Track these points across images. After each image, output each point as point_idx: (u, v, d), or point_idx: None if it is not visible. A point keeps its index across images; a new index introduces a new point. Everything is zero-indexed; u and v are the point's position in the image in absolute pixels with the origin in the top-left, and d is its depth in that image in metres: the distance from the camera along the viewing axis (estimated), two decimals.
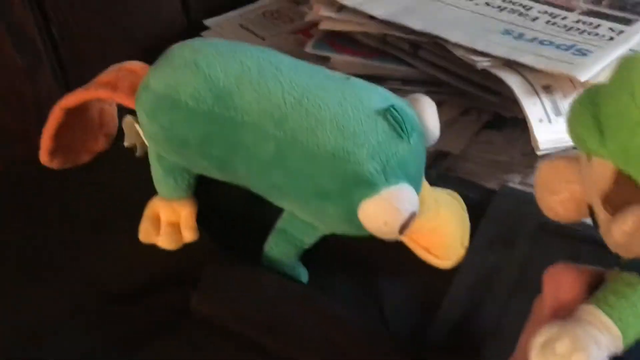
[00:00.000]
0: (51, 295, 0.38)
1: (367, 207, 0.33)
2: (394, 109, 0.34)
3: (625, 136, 0.22)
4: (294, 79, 0.35)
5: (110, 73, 0.39)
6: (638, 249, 0.24)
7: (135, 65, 0.39)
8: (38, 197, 0.44)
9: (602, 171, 0.24)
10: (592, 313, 0.23)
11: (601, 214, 0.25)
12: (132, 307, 0.35)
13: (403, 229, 0.34)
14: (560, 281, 0.26)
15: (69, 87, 0.57)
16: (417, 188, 0.35)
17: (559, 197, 0.27)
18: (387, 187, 0.33)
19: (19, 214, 0.43)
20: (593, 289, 0.26)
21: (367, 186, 0.33)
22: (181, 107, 0.35)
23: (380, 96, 0.35)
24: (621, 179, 0.23)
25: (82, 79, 0.58)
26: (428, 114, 0.36)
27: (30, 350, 0.34)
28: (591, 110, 0.24)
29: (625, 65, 0.23)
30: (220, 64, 0.35)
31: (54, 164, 0.41)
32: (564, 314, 0.25)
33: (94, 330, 0.35)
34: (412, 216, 0.34)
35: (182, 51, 0.36)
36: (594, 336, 0.23)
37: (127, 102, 0.38)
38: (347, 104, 0.34)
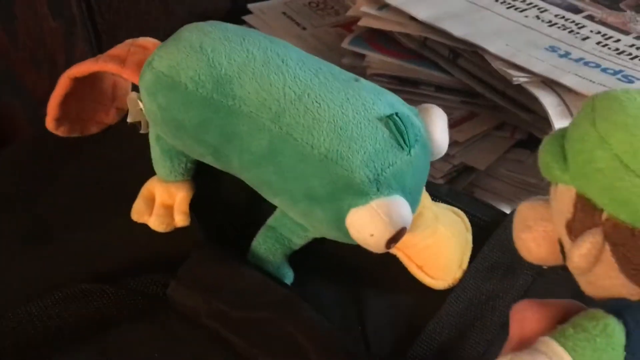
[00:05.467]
0: (41, 265, 0.38)
1: (355, 216, 0.32)
2: (398, 116, 0.33)
3: (584, 159, 0.23)
4: (299, 73, 0.34)
5: (122, 47, 0.38)
6: (602, 284, 0.24)
7: (148, 41, 0.38)
8: (49, 163, 0.44)
9: (565, 198, 0.25)
10: (546, 343, 0.23)
11: (566, 243, 0.25)
12: (109, 286, 0.34)
13: (390, 243, 0.32)
14: (525, 317, 0.26)
15: None
16: (414, 202, 0.34)
17: (533, 235, 0.27)
18: (378, 197, 0.31)
19: (31, 180, 0.44)
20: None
21: (357, 194, 0.31)
22: (180, 89, 0.34)
23: (386, 102, 0.34)
24: (582, 204, 0.24)
25: None
26: (437, 126, 0.34)
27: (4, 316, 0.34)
28: (560, 140, 0.25)
29: (593, 97, 0.24)
30: (226, 50, 0.34)
31: (60, 132, 0.41)
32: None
33: (69, 305, 0.34)
34: (402, 231, 0.32)
35: (190, 33, 0.35)
36: None
37: (133, 78, 0.37)
38: (349, 105, 0.33)
